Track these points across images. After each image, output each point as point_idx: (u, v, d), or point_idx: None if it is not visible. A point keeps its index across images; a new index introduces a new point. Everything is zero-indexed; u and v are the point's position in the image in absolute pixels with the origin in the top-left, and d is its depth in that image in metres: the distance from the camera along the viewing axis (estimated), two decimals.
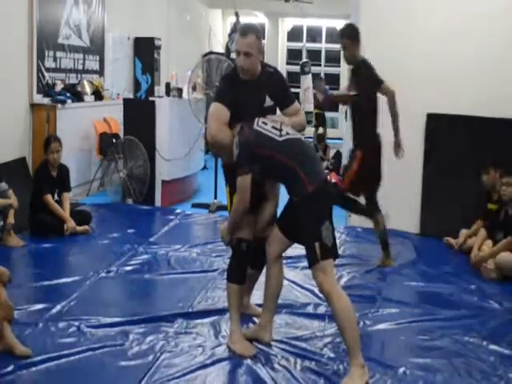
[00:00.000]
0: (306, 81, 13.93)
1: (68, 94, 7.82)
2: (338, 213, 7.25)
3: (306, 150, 3.53)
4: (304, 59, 14.23)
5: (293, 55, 17.10)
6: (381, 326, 4.16)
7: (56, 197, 6.13)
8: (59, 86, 7.85)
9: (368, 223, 6.64)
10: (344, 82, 14.77)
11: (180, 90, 7.93)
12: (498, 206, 5.58)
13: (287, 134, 3.50)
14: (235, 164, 3.50)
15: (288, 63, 16.99)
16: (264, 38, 17.04)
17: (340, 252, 5.82)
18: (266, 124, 3.52)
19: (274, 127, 3.51)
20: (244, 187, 3.45)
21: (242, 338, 3.72)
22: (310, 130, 14.11)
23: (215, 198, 7.63)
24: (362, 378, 3.29)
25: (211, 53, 11.52)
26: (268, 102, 3.68)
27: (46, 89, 7.63)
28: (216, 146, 3.60)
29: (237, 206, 3.52)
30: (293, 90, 3.96)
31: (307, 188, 3.35)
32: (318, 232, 3.33)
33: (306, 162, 3.43)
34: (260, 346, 3.73)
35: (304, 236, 3.42)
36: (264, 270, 3.92)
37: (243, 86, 3.64)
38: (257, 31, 3.64)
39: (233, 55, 12.54)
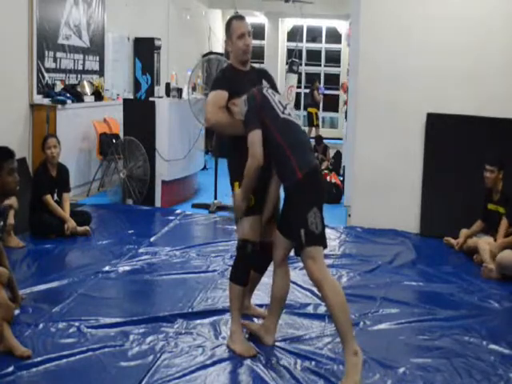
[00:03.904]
0: (291, 79, 13.91)
1: (68, 95, 7.82)
2: (338, 212, 7.28)
3: (299, 135, 3.56)
4: (293, 58, 14.25)
5: (293, 55, 17.07)
6: (381, 326, 4.16)
7: (56, 197, 6.11)
8: (59, 87, 7.86)
9: (368, 223, 6.67)
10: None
11: (180, 91, 7.93)
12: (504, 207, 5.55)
13: (289, 114, 3.55)
14: (244, 122, 3.52)
15: (288, 63, 16.96)
16: (264, 38, 17.07)
17: (340, 252, 5.87)
18: (274, 95, 3.60)
19: (280, 102, 3.57)
20: (255, 142, 3.43)
21: (242, 339, 3.72)
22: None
23: (215, 198, 7.63)
24: (356, 367, 3.23)
25: (211, 53, 11.52)
26: None
27: (45, 89, 7.64)
28: (216, 129, 3.77)
29: (250, 163, 3.45)
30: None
31: (297, 174, 3.36)
32: (304, 218, 3.32)
33: (296, 146, 3.45)
34: (260, 346, 3.72)
35: (292, 224, 3.40)
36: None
37: (237, 76, 3.77)
38: None
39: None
